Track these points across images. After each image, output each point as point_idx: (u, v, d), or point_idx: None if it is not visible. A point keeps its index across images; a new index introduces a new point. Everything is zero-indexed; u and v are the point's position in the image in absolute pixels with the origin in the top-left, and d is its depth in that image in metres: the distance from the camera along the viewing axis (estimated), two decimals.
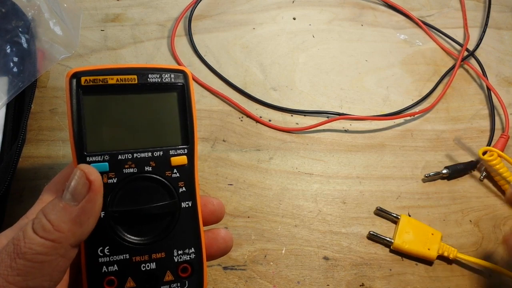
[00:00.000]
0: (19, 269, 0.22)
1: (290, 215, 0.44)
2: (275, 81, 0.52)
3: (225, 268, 0.41)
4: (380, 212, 0.44)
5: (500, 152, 0.47)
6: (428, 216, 0.45)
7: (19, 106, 0.43)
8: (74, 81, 0.26)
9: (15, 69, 0.42)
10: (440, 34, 0.59)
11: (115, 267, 0.26)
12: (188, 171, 0.28)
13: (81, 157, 0.26)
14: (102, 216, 0.26)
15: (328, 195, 0.46)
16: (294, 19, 0.58)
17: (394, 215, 0.44)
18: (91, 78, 0.26)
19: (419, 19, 0.59)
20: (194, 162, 0.29)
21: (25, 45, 0.43)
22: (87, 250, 0.26)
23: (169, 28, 0.54)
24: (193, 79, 0.51)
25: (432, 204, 0.46)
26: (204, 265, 0.29)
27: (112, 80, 0.27)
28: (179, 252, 0.28)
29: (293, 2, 0.59)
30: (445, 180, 0.48)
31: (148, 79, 0.27)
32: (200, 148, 0.47)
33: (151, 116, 0.28)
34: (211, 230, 0.31)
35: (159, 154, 0.28)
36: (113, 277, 0.26)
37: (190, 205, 0.28)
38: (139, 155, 0.27)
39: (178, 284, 0.28)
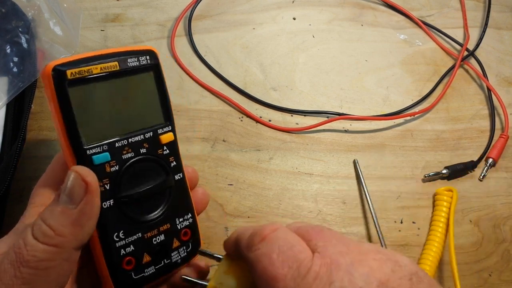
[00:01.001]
0: (24, 278, 0.21)
1: (290, 215, 0.44)
2: (275, 81, 0.52)
3: None
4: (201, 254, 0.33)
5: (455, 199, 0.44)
6: (428, 216, 0.45)
7: (19, 106, 0.43)
8: (58, 75, 0.26)
9: (15, 69, 0.42)
10: (440, 34, 0.59)
11: (131, 248, 0.28)
12: (174, 145, 0.30)
13: (80, 151, 0.26)
14: (111, 204, 0.27)
15: (328, 195, 0.46)
16: (294, 19, 0.58)
17: (216, 256, 0.32)
18: (77, 70, 0.26)
19: (419, 19, 0.59)
20: (176, 136, 0.30)
21: (25, 45, 0.43)
22: (103, 239, 0.27)
23: (169, 28, 0.54)
24: (193, 79, 0.51)
25: (432, 204, 0.46)
26: (198, 225, 0.32)
27: (97, 69, 0.27)
28: (180, 219, 0.30)
29: (293, 2, 0.59)
30: (445, 180, 0.48)
31: (128, 63, 0.28)
32: (200, 148, 0.47)
33: (134, 98, 0.29)
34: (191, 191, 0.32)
35: (150, 135, 0.29)
36: (130, 257, 0.28)
37: (181, 176, 0.30)
38: (133, 139, 0.28)
39: (184, 248, 0.30)
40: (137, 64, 0.28)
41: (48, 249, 0.22)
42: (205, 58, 0.53)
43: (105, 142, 0.27)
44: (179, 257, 0.30)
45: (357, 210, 0.45)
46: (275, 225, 0.27)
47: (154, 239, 0.29)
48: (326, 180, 0.47)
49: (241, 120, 0.49)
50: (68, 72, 0.26)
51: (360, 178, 0.46)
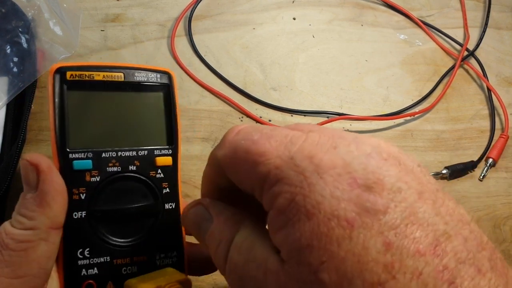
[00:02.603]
0: (6, 261, 0.23)
1: None
2: (275, 81, 0.52)
3: None
4: None
5: None
6: None
7: (19, 106, 0.43)
8: (59, 76, 0.25)
9: (15, 69, 0.42)
10: (440, 34, 0.59)
11: (95, 270, 0.25)
12: (172, 172, 0.28)
13: (62, 153, 0.25)
14: (83, 216, 0.25)
15: None
16: (294, 19, 0.58)
17: None
18: (77, 73, 0.26)
19: (419, 19, 0.59)
20: (178, 163, 0.28)
21: (25, 45, 0.43)
22: (65, 251, 0.25)
23: (169, 28, 0.54)
24: (194, 79, 0.51)
25: None
26: (186, 269, 0.28)
27: (99, 76, 0.26)
28: (162, 255, 0.27)
29: (293, 2, 0.59)
30: (445, 180, 0.48)
31: (135, 77, 0.27)
32: (200, 148, 0.47)
33: (136, 115, 0.28)
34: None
35: (144, 154, 0.27)
36: (92, 281, 0.25)
37: (173, 206, 0.28)
38: (123, 154, 0.26)
39: None
40: (145, 79, 0.27)
41: (25, 232, 0.23)
42: (205, 58, 0.53)
43: (90, 149, 0.26)
44: None
45: None
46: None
47: (124, 268, 0.26)
48: None
49: (241, 120, 0.49)
50: (68, 73, 0.25)
51: None
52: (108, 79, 0.26)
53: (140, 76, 0.27)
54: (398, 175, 0.18)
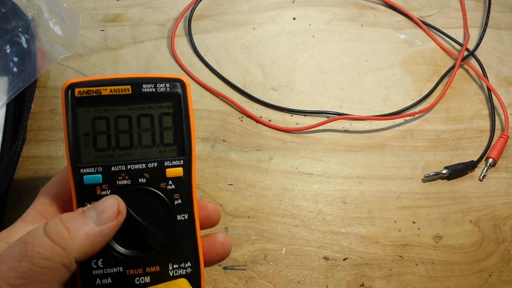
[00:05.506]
0: (22, 272, 0.22)
1: (290, 215, 0.44)
2: (275, 81, 0.52)
3: (225, 268, 0.41)
4: None
5: None
6: (428, 216, 0.45)
7: (19, 106, 0.43)
8: (69, 92, 0.26)
9: (15, 69, 0.42)
10: (440, 34, 0.59)
11: (109, 280, 0.26)
12: (184, 183, 0.28)
13: (75, 169, 0.26)
14: None
15: (328, 195, 0.46)
16: (294, 19, 0.58)
17: None
18: (85, 89, 0.26)
19: (419, 19, 0.59)
20: (191, 174, 0.28)
21: (25, 45, 0.43)
22: (81, 262, 0.25)
23: (169, 28, 0.54)
24: (193, 79, 0.51)
25: (432, 204, 0.46)
26: (202, 279, 0.28)
27: (106, 91, 0.26)
28: (175, 266, 0.27)
29: (293, 2, 0.59)
30: (445, 180, 0.48)
31: (143, 89, 0.27)
32: (200, 148, 0.47)
33: (146, 126, 0.28)
34: (208, 235, 0.30)
35: (154, 166, 0.27)
36: None
37: (186, 217, 0.27)
38: (133, 167, 0.27)
39: None
40: (153, 91, 0.27)
41: (55, 248, 0.22)
42: (205, 58, 0.53)
43: (100, 164, 0.26)
44: None
45: (357, 210, 0.45)
46: None
47: (137, 278, 0.26)
48: (326, 180, 0.46)
49: (241, 120, 0.49)
50: (77, 90, 0.26)
51: None
52: (115, 93, 0.27)
53: (148, 87, 0.27)
54: None
